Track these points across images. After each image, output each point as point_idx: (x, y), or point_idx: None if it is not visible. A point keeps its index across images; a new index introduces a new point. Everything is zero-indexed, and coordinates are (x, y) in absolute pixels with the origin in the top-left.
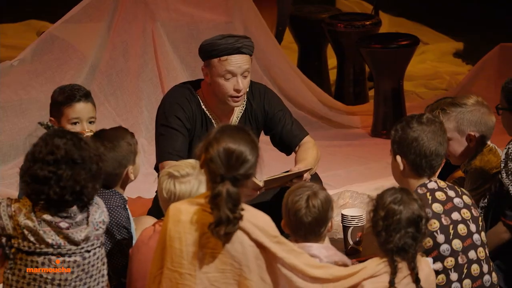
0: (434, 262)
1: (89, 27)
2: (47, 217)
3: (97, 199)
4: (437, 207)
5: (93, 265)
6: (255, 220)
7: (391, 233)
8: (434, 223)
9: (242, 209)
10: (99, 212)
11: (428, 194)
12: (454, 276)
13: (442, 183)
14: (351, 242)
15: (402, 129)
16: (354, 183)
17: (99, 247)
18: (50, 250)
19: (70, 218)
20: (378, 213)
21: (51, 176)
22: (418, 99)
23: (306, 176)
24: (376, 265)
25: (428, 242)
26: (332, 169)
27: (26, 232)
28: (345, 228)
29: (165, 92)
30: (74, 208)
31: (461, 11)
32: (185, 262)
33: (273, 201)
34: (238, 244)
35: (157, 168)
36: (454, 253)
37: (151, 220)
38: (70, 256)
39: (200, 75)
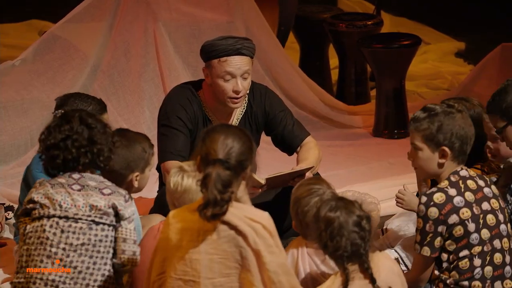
0: (462, 250)
1: (91, 27)
2: (62, 180)
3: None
4: (469, 195)
5: (100, 241)
6: (255, 224)
7: (337, 239)
8: (466, 211)
9: (232, 192)
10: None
11: (460, 182)
12: (477, 261)
13: (472, 172)
14: None
15: (444, 120)
16: (356, 183)
17: (109, 225)
18: (58, 212)
19: (82, 181)
20: (319, 226)
21: (67, 136)
22: (420, 99)
23: (308, 175)
24: (331, 283)
25: (459, 230)
26: (334, 169)
27: (37, 198)
28: None
29: (167, 92)
30: (88, 173)
31: (463, 11)
32: (189, 270)
33: (274, 201)
34: (240, 248)
35: (159, 168)
36: (481, 242)
37: (159, 218)
38: (76, 222)
39: (202, 75)
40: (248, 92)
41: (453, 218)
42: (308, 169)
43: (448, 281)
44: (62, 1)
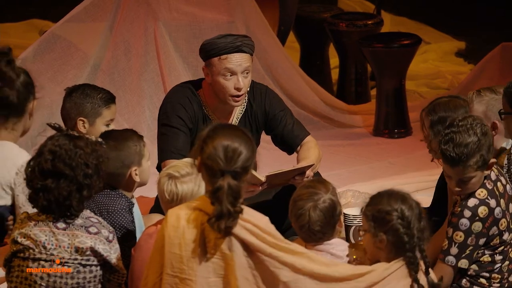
0: (490, 251)
1: (91, 27)
2: (47, 216)
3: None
4: (502, 203)
5: (89, 282)
6: (253, 228)
7: (411, 232)
8: (504, 222)
9: (242, 203)
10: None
11: (495, 188)
12: (498, 258)
13: (495, 170)
14: (353, 241)
15: (486, 139)
16: (356, 182)
17: (96, 265)
18: (44, 256)
19: (68, 218)
20: (391, 216)
21: (39, 188)
22: (420, 99)
23: (309, 173)
24: (384, 270)
25: (496, 240)
26: (334, 168)
27: (20, 239)
28: (347, 228)
29: (167, 92)
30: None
31: (463, 11)
32: (185, 268)
33: (275, 200)
34: (234, 252)
35: (159, 168)
36: (505, 243)
37: (160, 217)
38: (63, 265)
39: (202, 74)
40: (248, 91)
41: (493, 230)
42: (308, 167)
43: (468, 273)
44: (63, 1)
